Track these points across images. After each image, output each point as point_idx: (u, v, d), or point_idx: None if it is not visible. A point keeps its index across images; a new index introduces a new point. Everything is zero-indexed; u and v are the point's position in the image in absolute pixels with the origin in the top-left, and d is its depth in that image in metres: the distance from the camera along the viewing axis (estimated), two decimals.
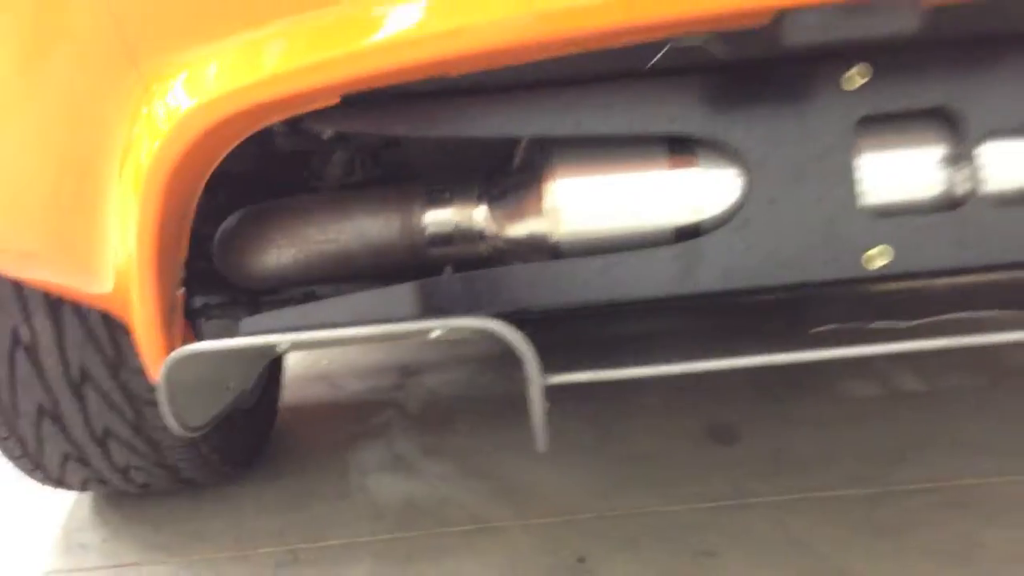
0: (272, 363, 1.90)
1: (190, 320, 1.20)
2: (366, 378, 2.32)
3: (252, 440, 1.84)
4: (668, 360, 1.13)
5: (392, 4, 0.91)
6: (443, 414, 2.05)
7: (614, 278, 1.07)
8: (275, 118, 1.02)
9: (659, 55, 1.16)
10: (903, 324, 1.22)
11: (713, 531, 1.47)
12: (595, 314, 1.55)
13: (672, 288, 1.06)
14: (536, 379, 1.01)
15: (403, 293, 1.07)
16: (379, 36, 0.91)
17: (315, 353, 2.48)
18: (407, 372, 2.30)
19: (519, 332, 0.99)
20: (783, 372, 2.02)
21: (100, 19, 0.96)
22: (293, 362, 2.34)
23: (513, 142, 1.15)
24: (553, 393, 2.05)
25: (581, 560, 1.44)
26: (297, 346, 1.09)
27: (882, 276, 1.04)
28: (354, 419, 2.06)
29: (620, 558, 1.43)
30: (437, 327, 1.01)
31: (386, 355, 2.39)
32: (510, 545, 1.50)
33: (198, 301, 1.29)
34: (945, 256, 1.04)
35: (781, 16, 0.89)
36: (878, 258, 1.04)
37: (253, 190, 1.31)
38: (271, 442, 1.95)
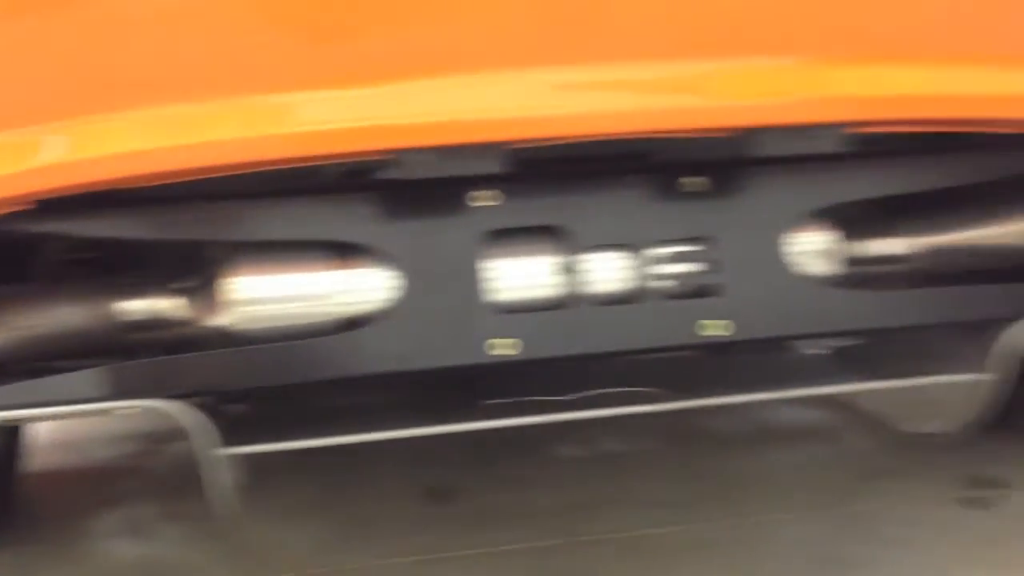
0: (8, 432, 1.96)
1: None
2: (114, 446, 2.40)
3: None
4: (369, 430, 1.32)
5: (67, 131, 1.08)
6: (188, 479, 2.16)
7: (285, 363, 1.25)
8: None
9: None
10: (565, 397, 1.46)
11: None
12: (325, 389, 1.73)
13: (335, 372, 1.25)
14: (204, 452, 1.17)
15: (91, 376, 1.22)
16: (52, 157, 1.08)
17: (61, 421, 2.54)
18: (157, 439, 2.40)
19: (189, 409, 1.15)
20: (500, 437, 2.24)
21: None
22: (43, 431, 2.40)
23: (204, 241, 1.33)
24: (290, 460, 2.21)
25: None
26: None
27: (504, 363, 1.27)
28: (97, 486, 2.15)
29: None
30: (113, 408, 1.16)
31: (137, 423, 2.48)
32: None
33: None
34: (557, 347, 1.28)
35: (398, 155, 1.11)
36: (500, 347, 1.27)
37: None
38: (8, 511, 2.00)
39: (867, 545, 1.68)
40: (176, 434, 2.41)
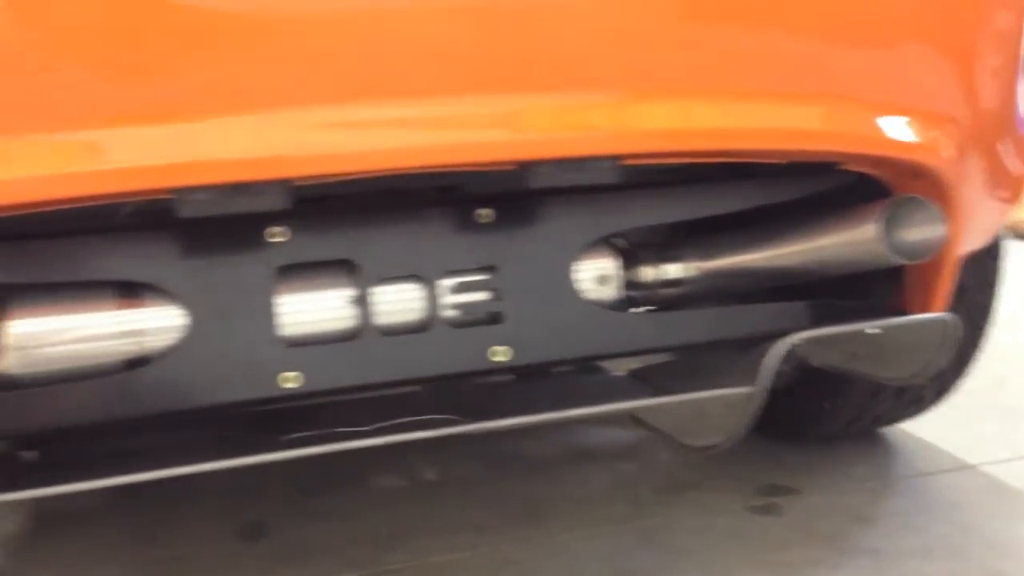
0: None
1: None
2: None
3: None
4: (160, 466, 1.30)
5: None
6: None
7: (63, 405, 1.23)
8: None
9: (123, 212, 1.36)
10: (365, 428, 1.48)
11: None
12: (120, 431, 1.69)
13: (117, 412, 1.24)
14: None
15: None
16: None
17: None
18: None
19: None
20: (316, 471, 2.24)
21: None
22: None
23: None
24: (102, 503, 2.14)
25: None
26: None
27: (297, 395, 1.29)
28: None
29: None
30: None
31: None
32: None
33: None
34: (348, 376, 1.31)
35: (177, 194, 1.12)
36: (292, 380, 1.29)
37: None
38: None
39: (660, 555, 1.77)
40: None
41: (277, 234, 1.29)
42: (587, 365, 1.96)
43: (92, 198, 1.11)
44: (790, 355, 1.88)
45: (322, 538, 1.93)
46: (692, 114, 1.24)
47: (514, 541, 1.86)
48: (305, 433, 1.47)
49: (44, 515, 2.10)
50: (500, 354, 1.35)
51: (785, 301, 1.53)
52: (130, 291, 1.28)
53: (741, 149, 1.33)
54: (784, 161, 1.40)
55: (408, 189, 1.38)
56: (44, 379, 1.25)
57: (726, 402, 1.40)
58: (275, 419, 1.57)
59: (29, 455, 1.52)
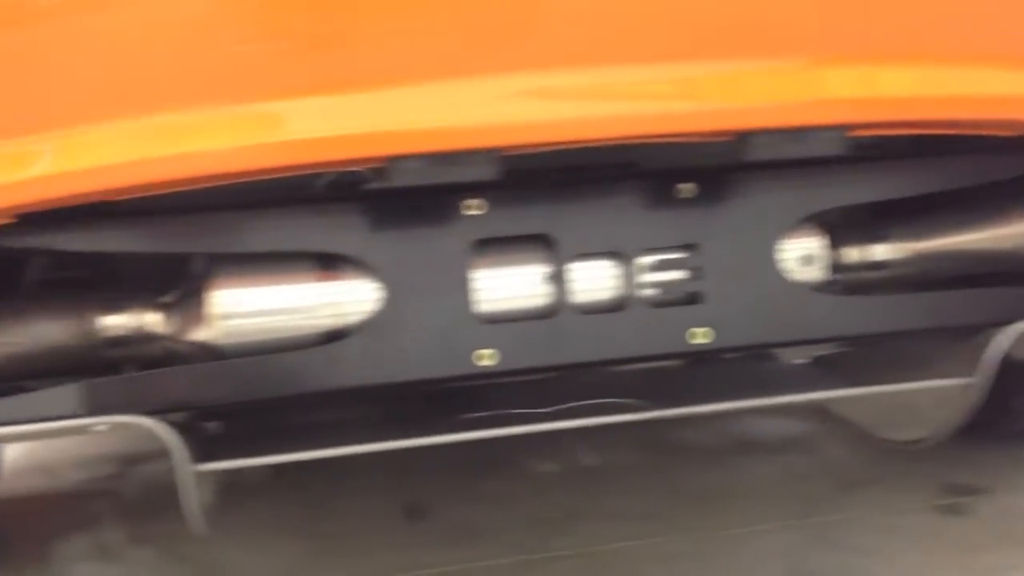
0: None
1: None
2: (86, 468, 2.35)
3: None
4: (340, 444, 1.30)
5: (52, 141, 1.06)
6: (158, 502, 2.12)
7: (266, 377, 1.23)
8: None
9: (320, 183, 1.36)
10: (543, 410, 1.45)
11: None
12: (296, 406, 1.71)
13: (317, 385, 1.24)
14: (181, 467, 1.14)
15: (70, 392, 1.19)
16: (38, 168, 1.06)
17: (34, 444, 2.48)
18: (128, 461, 2.35)
19: (166, 426, 1.13)
20: (476, 453, 2.23)
21: None
22: (13, 454, 2.35)
23: (188, 254, 1.31)
24: (267, 478, 2.17)
25: None
26: None
27: (491, 373, 1.26)
28: (67, 509, 2.10)
29: None
30: (92, 423, 1.14)
31: (110, 444, 2.43)
32: None
33: None
34: (543, 356, 1.28)
35: (389, 162, 1.10)
36: (487, 358, 1.26)
37: None
38: None
39: (840, 554, 1.69)
40: (145, 456, 2.39)
41: (474, 207, 1.27)
42: (759, 353, 1.88)
43: (305, 167, 1.10)
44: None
45: (485, 521, 1.91)
46: (934, 79, 1.16)
47: (683, 532, 1.80)
48: (481, 414, 1.45)
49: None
50: (700, 336, 1.30)
51: (997, 287, 1.42)
52: (329, 264, 1.27)
53: (977, 119, 1.24)
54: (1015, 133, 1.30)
55: (607, 162, 1.33)
56: (241, 350, 1.25)
57: (940, 395, 1.31)
58: (446, 399, 1.56)
59: (213, 427, 1.54)
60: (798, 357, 1.78)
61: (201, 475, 1.18)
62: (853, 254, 1.43)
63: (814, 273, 1.38)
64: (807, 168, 1.29)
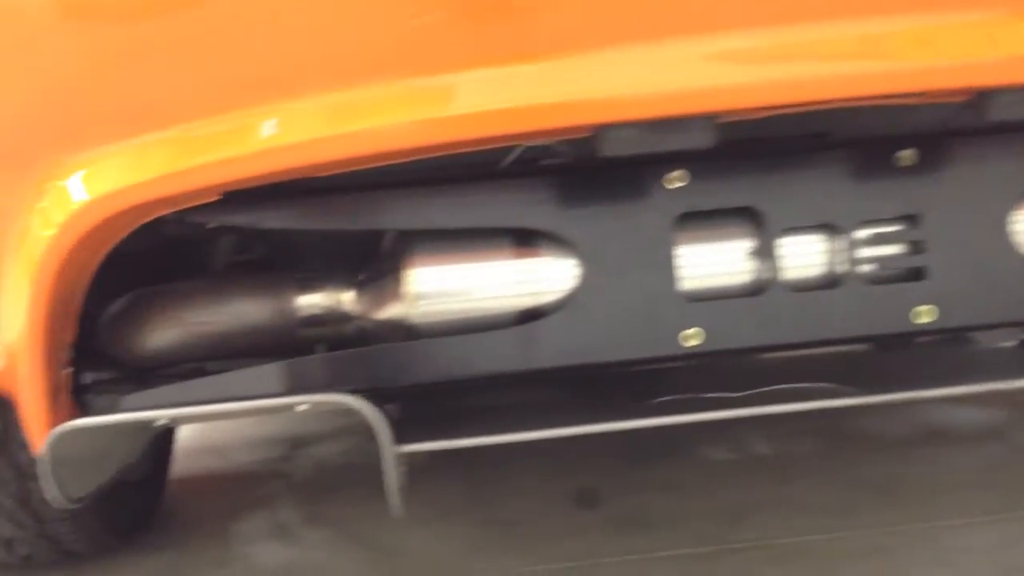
0: (162, 436, 1.96)
1: (79, 395, 1.28)
2: (256, 450, 2.40)
3: (137, 512, 1.89)
4: (526, 428, 1.26)
5: (260, 117, 1.04)
6: (328, 483, 2.14)
7: (461, 357, 1.20)
8: (160, 212, 1.14)
9: (510, 157, 1.32)
10: (735, 394, 1.38)
11: None
12: (469, 389, 1.68)
13: (512, 366, 1.20)
14: (387, 448, 1.12)
15: (271, 371, 1.18)
16: (248, 144, 1.04)
17: (206, 426, 2.54)
18: (297, 443, 2.39)
19: (371, 405, 1.10)
20: (647, 440, 2.17)
21: None
22: (184, 435, 2.40)
23: (381, 232, 1.28)
24: (435, 462, 2.16)
25: None
26: (175, 421, 1.19)
27: (697, 354, 1.20)
28: (241, 490, 2.14)
29: None
30: (297, 402, 1.13)
31: (277, 427, 2.47)
32: None
33: (88, 377, 1.37)
34: (750, 336, 1.21)
35: (598, 131, 1.05)
36: (693, 338, 1.20)
37: (144, 271, 1.41)
38: (158, 513, 2.00)
39: None
40: (312, 438, 2.42)
41: (676, 179, 1.20)
42: (955, 336, 1.76)
43: (512, 138, 1.06)
44: None
45: (660, 510, 1.85)
46: None
47: (874, 527, 1.70)
48: (670, 398, 1.39)
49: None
50: (924, 315, 1.20)
51: None
52: (527, 240, 1.23)
53: None
54: None
55: (820, 130, 1.25)
56: (440, 330, 1.22)
57: None
58: (630, 382, 1.50)
59: (390, 408, 1.52)
60: (1003, 340, 1.66)
61: (405, 456, 1.16)
62: None
63: None
64: None
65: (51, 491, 1.20)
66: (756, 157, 1.21)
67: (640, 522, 1.81)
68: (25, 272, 1.10)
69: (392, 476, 1.15)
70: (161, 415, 1.15)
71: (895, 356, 1.73)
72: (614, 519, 1.84)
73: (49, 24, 1.07)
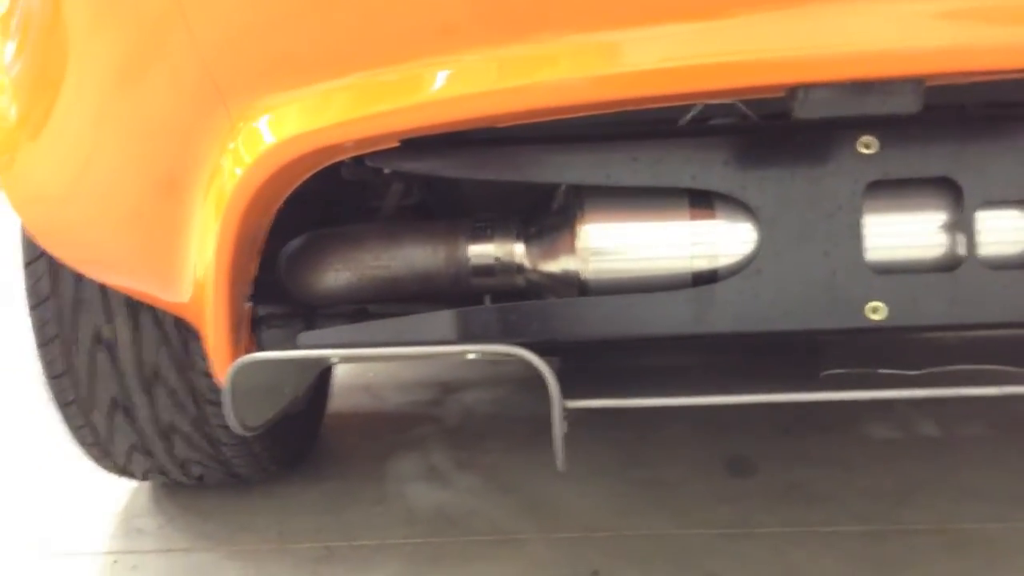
0: (321, 372, 2.03)
1: (254, 328, 1.33)
2: (407, 392, 2.45)
3: (299, 443, 1.97)
4: (687, 393, 1.24)
5: (440, 67, 1.04)
6: (477, 430, 2.17)
7: (634, 316, 1.18)
8: (342, 156, 1.16)
9: (688, 116, 1.28)
10: (911, 372, 1.32)
11: (720, 556, 1.57)
12: (626, 348, 1.66)
13: (686, 328, 1.17)
14: (557, 402, 1.12)
15: (444, 319, 1.19)
16: (428, 93, 1.05)
17: (361, 365, 2.61)
18: (447, 388, 2.42)
19: (542, 359, 1.10)
20: (804, 411, 2.11)
21: (193, 65, 1.11)
22: (340, 372, 2.48)
23: (553, 186, 1.27)
24: (584, 419, 2.16)
25: (595, 574, 1.54)
26: (347, 360, 1.22)
27: (881, 328, 1.14)
28: (394, 430, 2.19)
29: (631, 573, 1.54)
30: (471, 351, 1.13)
31: (427, 371, 2.51)
32: (530, 557, 1.61)
33: (261, 311, 1.42)
34: (940, 313, 1.14)
35: (793, 91, 1.00)
36: (877, 312, 1.14)
37: (320, 211, 1.45)
38: (316, 447, 2.08)
39: None
40: (462, 384, 2.46)
41: (868, 145, 1.14)
42: None
43: (705, 95, 1.03)
44: None
45: (820, 485, 1.80)
46: None
47: None
48: (844, 371, 1.34)
49: (534, 421, 2.16)
50: None
51: None
52: (704, 202, 1.19)
53: None
54: None
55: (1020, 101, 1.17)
56: (612, 287, 1.21)
57: None
58: (798, 351, 1.45)
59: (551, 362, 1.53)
60: None
61: (573, 411, 1.16)
62: None
63: None
64: None
65: (230, 418, 1.25)
66: (955, 125, 1.14)
67: (798, 495, 1.76)
68: (214, 209, 1.14)
69: (559, 430, 1.15)
70: (338, 354, 1.18)
71: None
72: (770, 490, 1.80)
73: None
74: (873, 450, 1.94)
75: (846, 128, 1.14)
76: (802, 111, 1.01)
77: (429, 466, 1.99)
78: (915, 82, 0.99)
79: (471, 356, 1.17)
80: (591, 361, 1.67)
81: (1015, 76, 1.02)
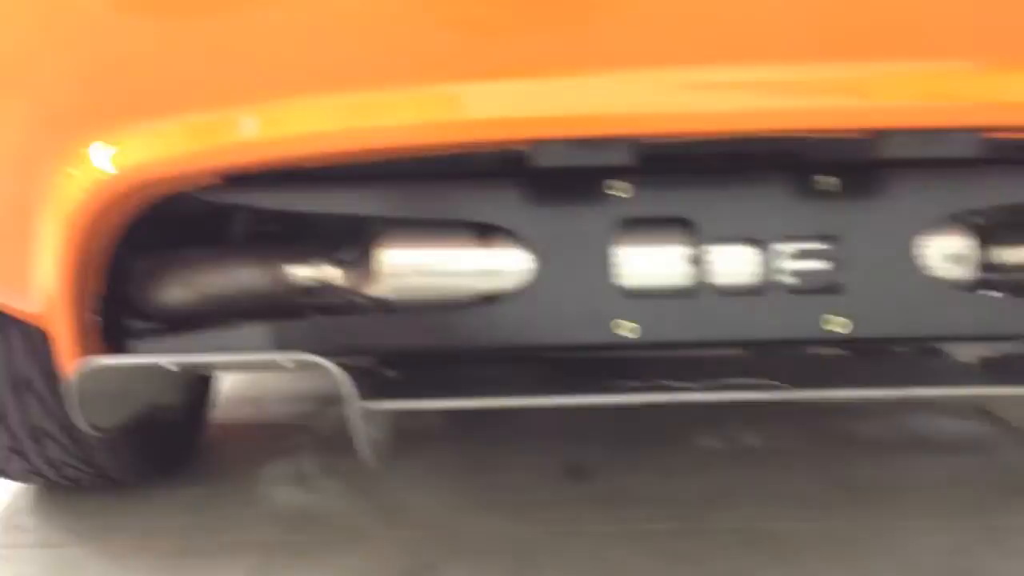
0: (200, 383, 2.19)
1: (125, 340, 1.48)
2: (289, 403, 2.62)
3: (175, 450, 2.13)
4: (500, 394, 1.42)
5: (251, 114, 1.23)
6: (349, 439, 2.33)
7: (428, 330, 1.37)
8: (173, 189, 1.34)
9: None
10: (693, 385, 1.51)
11: (545, 552, 1.74)
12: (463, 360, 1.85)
13: (474, 341, 1.37)
14: (354, 404, 1.30)
15: (262, 331, 1.38)
16: (238, 136, 1.23)
17: (246, 379, 2.78)
18: (326, 401, 2.59)
19: (336, 365, 1.28)
20: (641, 426, 2.31)
21: (38, 96, 1.29)
22: (226, 386, 2.65)
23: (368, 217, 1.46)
24: (440, 430, 2.35)
25: (430, 567, 1.72)
26: (181, 366, 1.39)
27: (631, 345, 1.34)
28: (271, 439, 2.36)
29: (463, 566, 1.71)
30: (278, 359, 1.31)
31: (310, 385, 2.68)
32: (376, 552, 1.78)
33: (135, 325, 1.55)
34: (682, 331, 1.34)
35: (532, 144, 1.21)
36: (628, 330, 1.34)
37: (189, 234, 1.61)
38: (195, 454, 2.24)
39: (1008, 559, 1.65)
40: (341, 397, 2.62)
41: (620, 189, 1.35)
42: (929, 348, 1.86)
43: (457, 145, 1.22)
44: None
45: (645, 489, 1.99)
46: None
47: (842, 520, 1.81)
48: (636, 383, 1.53)
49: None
50: (835, 324, 1.32)
51: None
52: (487, 233, 1.39)
53: None
54: None
55: (750, 153, 1.38)
56: (408, 306, 1.40)
57: None
58: (604, 369, 1.64)
59: (391, 373, 1.71)
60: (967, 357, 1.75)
61: (372, 413, 1.34)
62: (1007, 255, 1.41)
63: (960, 271, 1.37)
64: (953, 167, 1.29)
65: (78, 420, 1.41)
66: (693, 174, 1.35)
67: (624, 498, 1.95)
68: (56, 229, 1.31)
69: (359, 430, 1.33)
70: (161, 359, 1.35)
71: (869, 363, 1.84)
72: (600, 494, 1.99)
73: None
74: (696, 458, 2.15)
75: (602, 175, 1.34)
76: (539, 161, 1.21)
77: (299, 472, 2.15)
78: (627, 141, 1.19)
79: (287, 364, 1.35)
80: (432, 372, 1.86)
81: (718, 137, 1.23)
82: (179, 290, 1.45)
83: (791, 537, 1.76)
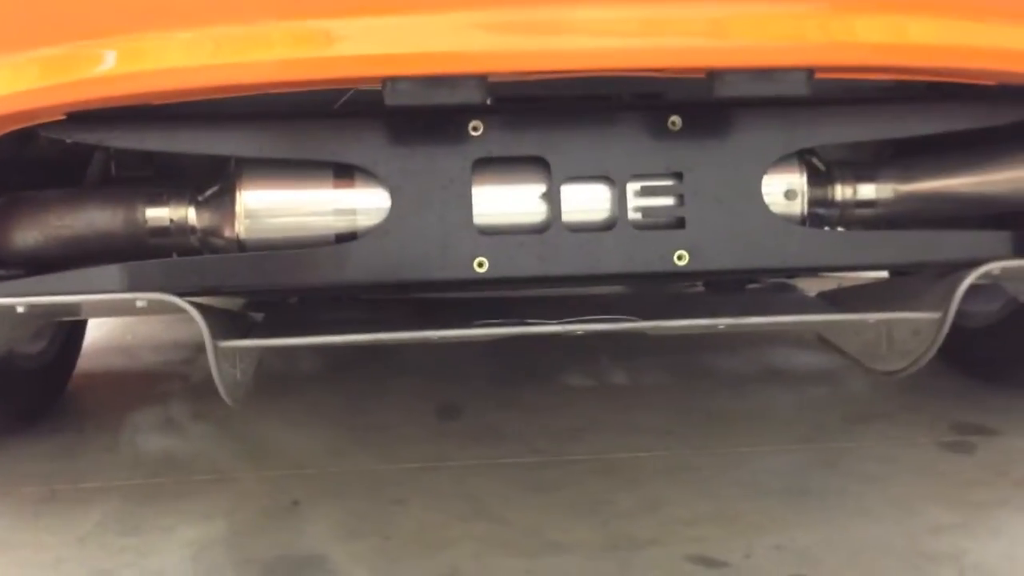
0: (68, 333, 2.15)
1: None
2: (162, 352, 2.60)
3: (38, 398, 2.09)
4: (359, 332, 1.44)
5: (97, 48, 1.21)
6: None
7: (284, 270, 1.38)
8: (14, 127, 1.31)
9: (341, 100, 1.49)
10: (554, 323, 1.56)
11: (410, 487, 1.79)
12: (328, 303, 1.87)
13: (329, 279, 1.38)
14: (209, 342, 1.31)
15: (115, 272, 1.36)
16: (81, 72, 1.21)
17: (117, 327, 2.74)
18: (200, 348, 2.57)
19: (192, 304, 1.29)
20: (512, 366, 2.37)
21: None
22: (97, 335, 2.60)
23: (224, 158, 1.46)
24: (315, 373, 2.35)
25: (295, 503, 1.74)
26: (33, 309, 1.37)
27: (485, 280, 1.38)
28: (141, 386, 2.34)
29: (327, 502, 1.74)
30: (133, 299, 1.31)
31: (184, 333, 2.66)
32: (240, 492, 1.79)
33: None
34: (532, 267, 1.39)
35: (384, 83, 1.22)
36: (482, 265, 1.38)
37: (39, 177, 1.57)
38: (63, 402, 2.20)
39: (839, 479, 1.77)
40: None
41: (475, 128, 1.38)
42: (781, 284, 1.96)
43: (313, 83, 1.23)
44: (997, 291, 1.80)
45: (511, 425, 2.05)
46: (895, 28, 1.21)
47: (694, 448, 1.91)
48: (498, 320, 1.58)
49: (272, 376, 2.34)
50: (681, 258, 1.39)
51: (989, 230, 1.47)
52: (345, 173, 1.40)
53: (942, 67, 1.28)
54: (994, 83, 1.33)
55: (601, 95, 1.42)
56: (268, 245, 1.41)
57: (913, 327, 1.38)
58: (473, 308, 1.69)
59: (256, 316, 1.72)
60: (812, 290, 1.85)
61: (234, 353, 1.34)
62: (840, 192, 1.49)
63: (796, 207, 1.44)
64: (788, 107, 1.36)
65: None
66: (546, 114, 1.39)
67: (491, 434, 2.01)
68: None
69: (216, 368, 1.34)
70: (10, 301, 1.33)
71: (719, 297, 1.93)
72: (469, 431, 2.04)
73: None
74: (565, 396, 2.22)
75: (458, 114, 1.36)
76: (391, 99, 1.23)
77: (167, 418, 2.14)
78: (477, 79, 1.22)
79: (140, 305, 1.34)
80: (296, 314, 1.87)
81: (564, 76, 1.26)
82: (33, 232, 1.42)
83: (645, 465, 1.85)
